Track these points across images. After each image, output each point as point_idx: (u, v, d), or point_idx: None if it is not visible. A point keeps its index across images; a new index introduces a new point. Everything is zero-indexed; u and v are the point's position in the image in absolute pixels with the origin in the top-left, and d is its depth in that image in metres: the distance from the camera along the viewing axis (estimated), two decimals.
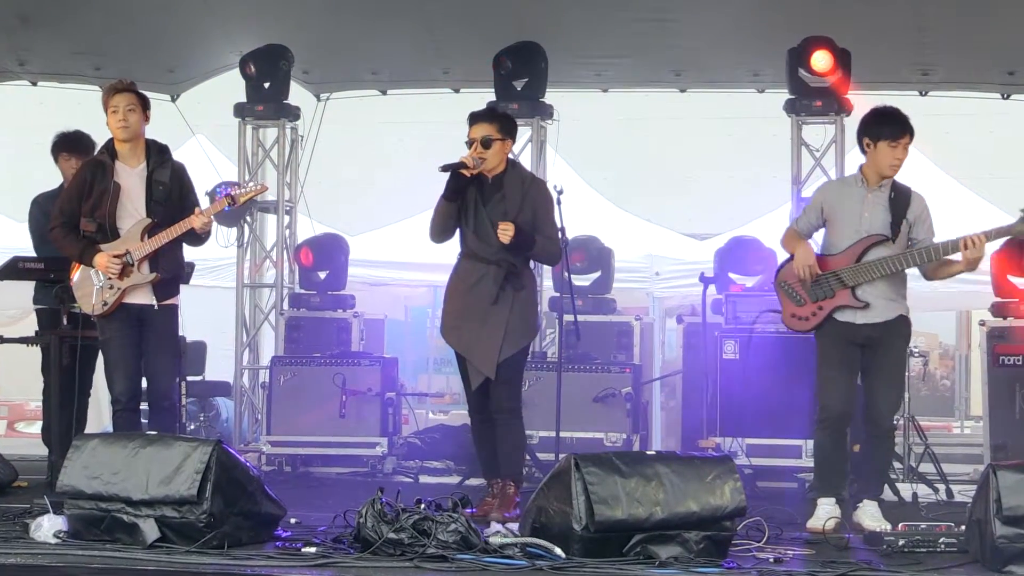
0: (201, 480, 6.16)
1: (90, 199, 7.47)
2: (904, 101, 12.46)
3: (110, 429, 8.25)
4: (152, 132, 7.69)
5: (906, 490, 9.06)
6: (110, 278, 7.43)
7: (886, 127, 7.32)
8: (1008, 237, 7.72)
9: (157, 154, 7.59)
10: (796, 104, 10.47)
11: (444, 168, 7.38)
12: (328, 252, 11.43)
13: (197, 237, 7.56)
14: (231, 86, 11.83)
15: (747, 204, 14.64)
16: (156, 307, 7.50)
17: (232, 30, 11.43)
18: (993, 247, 8.68)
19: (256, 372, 11.65)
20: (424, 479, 10.23)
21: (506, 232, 7.34)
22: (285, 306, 11.47)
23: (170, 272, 7.55)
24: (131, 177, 7.52)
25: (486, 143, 7.40)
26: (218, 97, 12.22)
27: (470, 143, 7.44)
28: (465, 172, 7.36)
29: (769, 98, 11.48)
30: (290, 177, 11.84)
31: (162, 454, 6.29)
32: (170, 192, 7.53)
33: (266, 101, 11.52)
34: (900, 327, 7.39)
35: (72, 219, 7.52)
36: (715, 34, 10.82)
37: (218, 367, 12.24)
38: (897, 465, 9.38)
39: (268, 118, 11.66)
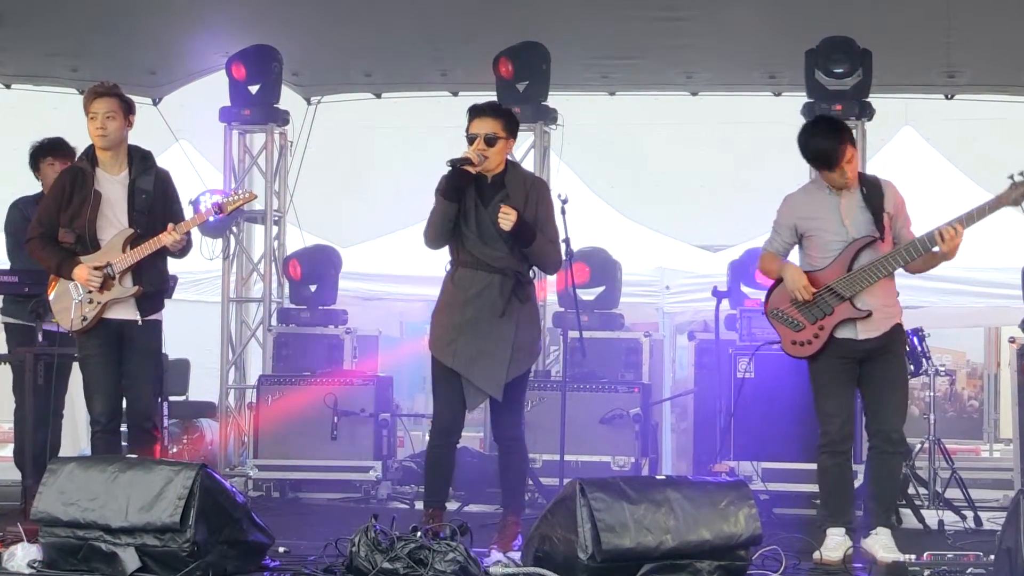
0: (184, 506, 6.16)
1: (69, 208, 7.46)
2: (929, 105, 12.52)
3: (88, 452, 8.25)
4: (133, 137, 7.67)
5: (932, 517, 9.03)
6: (90, 292, 7.43)
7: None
8: (998, 210, 7.51)
9: (140, 161, 7.57)
10: (814, 108, 10.45)
11: (451, 163, 7.16)
12: (319, 264, 11.44)
13: (180, 248, 7.56)
14: (216, 89, 11.83)
15: (762, 214, 14.54)
16: (140, 322, 7.50)
17: (218, 30, 11.44)
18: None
19: (242, 392, 11.65)
20: (421, 505, 10.20)
21: (507, 217, 7.08)
22: (273, 322, 11.47)
23: (154, 285, 7.55)
24: (112, 185, 7.51)
25: (490, 140, 7.19)
26: (203, 101, 12.22)
27: (471, 138, 7.23)
28: (469, 169, 7.17)
29: (786, 102, 11.50)
30: (279, 185, 11.84)
31: (143, 479, 6.29)
32: (153, 201, 7.52)
33: (253, 105, 11.51)
34: (897, 335, 7.40)
35: (51, 230, 7.50)
36: (729, 34, 10.84)
37: (202, 386, 12.21)
38: (922, 491, 9.37)
39: (256, 123, 11.67)
